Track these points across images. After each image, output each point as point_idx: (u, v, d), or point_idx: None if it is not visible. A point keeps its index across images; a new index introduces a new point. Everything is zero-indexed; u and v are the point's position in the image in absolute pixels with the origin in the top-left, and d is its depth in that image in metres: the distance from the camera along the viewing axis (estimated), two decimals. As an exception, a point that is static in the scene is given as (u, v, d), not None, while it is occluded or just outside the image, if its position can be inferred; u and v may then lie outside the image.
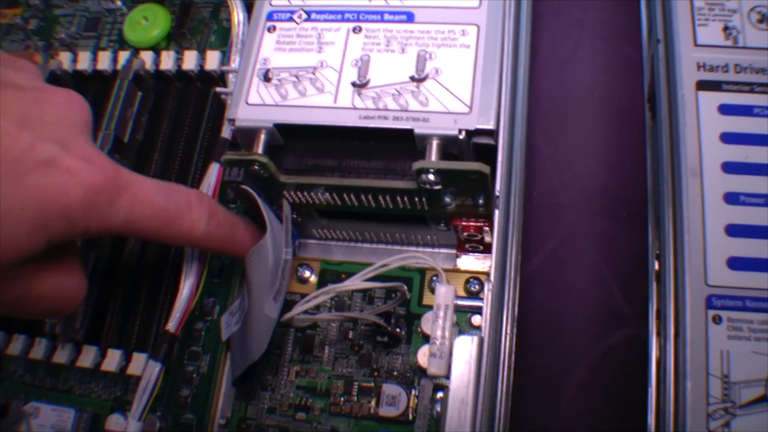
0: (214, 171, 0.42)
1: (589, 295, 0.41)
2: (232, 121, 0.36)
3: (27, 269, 0.30)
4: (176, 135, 0.46)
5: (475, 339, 0.32)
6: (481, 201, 0.36)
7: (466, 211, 0.37)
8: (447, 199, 0.36)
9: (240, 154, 0.36)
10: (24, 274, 0.30)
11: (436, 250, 0.41)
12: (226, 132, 0.43)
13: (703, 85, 0.38)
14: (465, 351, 0.32)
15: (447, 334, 0.33)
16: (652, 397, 0.38)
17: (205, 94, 0.46)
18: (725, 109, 0.37)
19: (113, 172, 0.31)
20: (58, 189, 0.29)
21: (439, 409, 0.34)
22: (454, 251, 0.41)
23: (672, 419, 0.33)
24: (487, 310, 0.32)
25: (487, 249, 0.40)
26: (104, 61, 0.47)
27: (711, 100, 0.37)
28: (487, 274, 0.40)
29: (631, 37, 0.45)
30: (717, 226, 0.35)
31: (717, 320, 0.34)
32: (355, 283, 0.35)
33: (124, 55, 0.47)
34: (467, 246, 0.40)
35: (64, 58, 0.48)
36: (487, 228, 0.38)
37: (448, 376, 0.33)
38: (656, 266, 0.40)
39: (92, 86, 0.48)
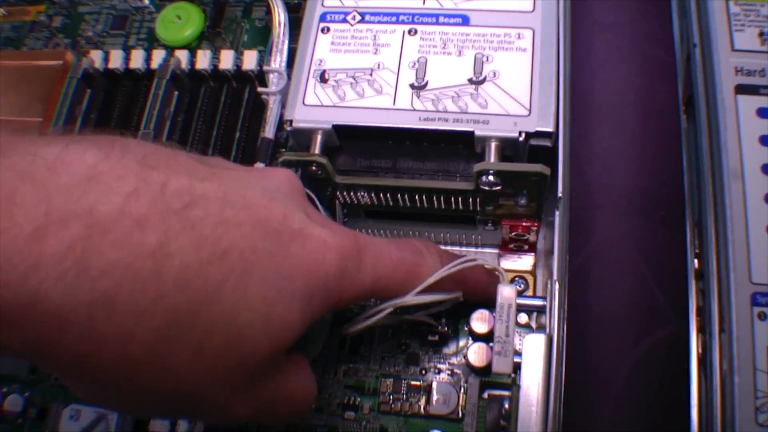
0: (259, 171, 0.41)
1: (629, 294, 0.42)
2: (289, 122, 0.36)
3: (281, 360, 0.28)
4: (212, 134, 0.45)
5: (544, 337, 0.32)
6: (523, 201, 0.37)
7: (512, 212, 0.38)
8: (500, 200, 0.37)
9: (299, 155, 0.36)
10: (280, 366, 0.29)
11: (480, 250, 0.42)
12: (268, 132, 0.43)
13: (741, 89, 0.39)
14: (535, 349, 0.32)
15: (510, 332, 0.34)
16: (695, 392, 0.39)
17: (240, 93, 0.46)
18: (764, 113, 0.38)
19: (352, 235, 0.30)
20: (317, 257, 0.28)
21: (507, 406, 0.34)
22: (496, 251, 0.42)
23: (719, 413, 0.34)
24: (554, 309, 0.33)
25: (531, 249, 0.41)
26: (137, 60, 0.47)
27: (749, 103, 0.38)
28: (532, 273, 0.41)
29: (662, 40, 0.46)
30: (759, 226, 0.36)
31: (762, 317, 0.35)
32: (417, 298, 0.35)
33: (157, 54, 0.47)
34: (511, 246, 0.41)
35: (96, 56, 0.47)
36: (534, 228, 0.39)
37: (511, 375, 0.33)
38: (696, 264, 0.41)
39: (124, 85, 0.48)
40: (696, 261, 0.41)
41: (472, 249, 0.42)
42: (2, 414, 0.44)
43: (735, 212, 0.36)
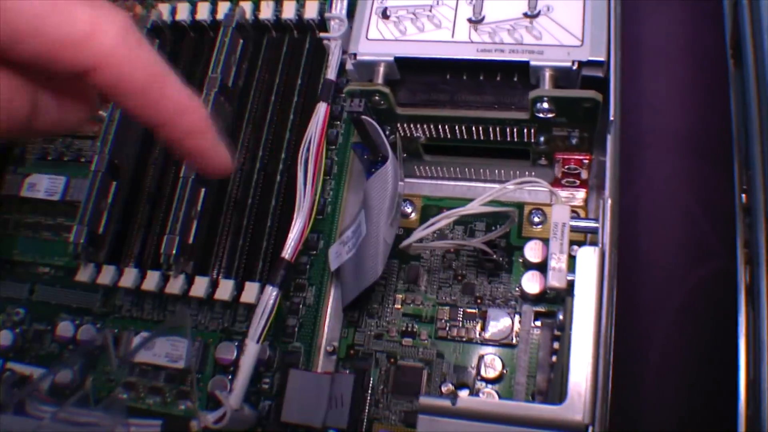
0: (321, 109, 0.44)
1: (679, 230, 0.43)
2: (353, 55, 0.38)
3: None
4: (274, 82, 0.48)
5: (597, 249, 0.34)
6: (576, 132, 0.38)
7: (565, 146, 0.40)
8: (553, 131, 0.38)
9: (363, 85, 0.38)
10: None
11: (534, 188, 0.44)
12: (330, 74, 0.45)
13: (788, 31, 0.40)
14: (588, 260, 0.34)
15: (565, 249, 0.35)
16: (742, 321, 0.40)
17: (301, 42, 0.48)
18: (810, 53, 0.39)
19: None
20: None
21: (561, 317, 0.36)
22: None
23: (767, 337, 0.36)
24: (606, 225, 0.34)
25: (582, 185, 0.43)
26: (203, 12, 0.49)
27: (796, 44, 0.40)
28: (584, 208, 0.42)
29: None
30: (807, 158, 0.37)
31: (808, 245, 0.36)
32: (474, 207, 0.37)
33: (222, 6, 0.49)
34: (564, 182, 0.43)
35: (163, 9, 0.50)
36: (587, 161, 0.40)
37: (566, 290, 0.35)
38: (743, 200, 0.42)
39: (189, 37, 0.50)
40: (743, 196, 0.42)
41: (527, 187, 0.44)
42: (77, 344, 0.47)
43: (782, 146, 0.38)
